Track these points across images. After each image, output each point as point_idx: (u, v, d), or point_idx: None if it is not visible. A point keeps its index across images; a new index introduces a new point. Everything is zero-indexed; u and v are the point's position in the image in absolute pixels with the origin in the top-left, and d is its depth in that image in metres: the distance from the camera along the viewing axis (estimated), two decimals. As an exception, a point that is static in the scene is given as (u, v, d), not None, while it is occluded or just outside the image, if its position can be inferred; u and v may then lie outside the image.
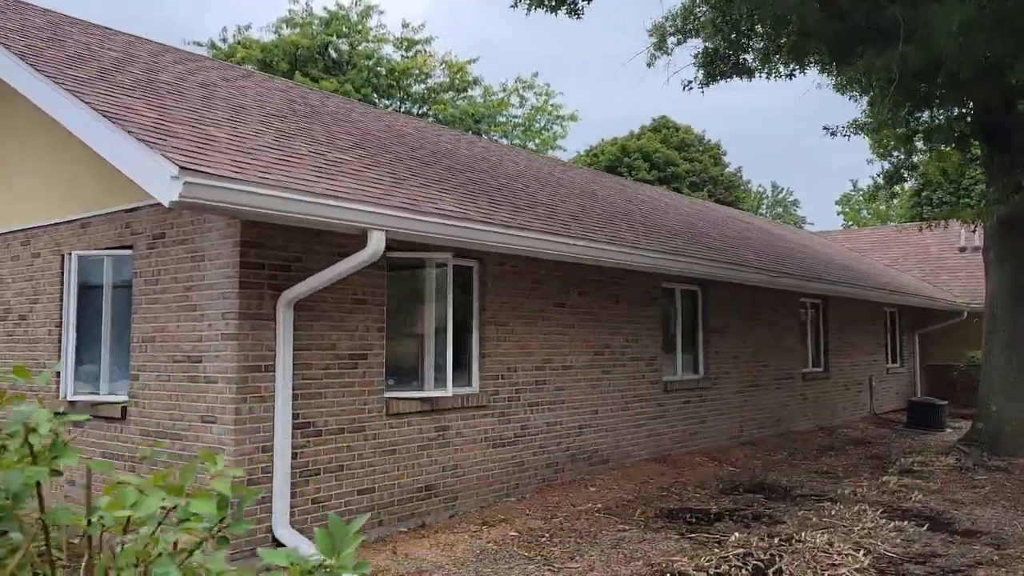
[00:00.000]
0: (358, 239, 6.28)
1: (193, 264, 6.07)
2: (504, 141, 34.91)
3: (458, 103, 34.29)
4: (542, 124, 37.34)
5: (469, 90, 35.27)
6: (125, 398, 6.55)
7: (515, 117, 36.55)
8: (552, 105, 36.62)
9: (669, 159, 40.93)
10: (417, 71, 33.61)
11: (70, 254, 6.92)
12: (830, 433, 13.80)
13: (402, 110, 33.89)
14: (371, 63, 31.90)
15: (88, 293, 7.05)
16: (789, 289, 12.57)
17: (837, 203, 53.09)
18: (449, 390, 7.11)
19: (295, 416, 6.06)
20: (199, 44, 31.98)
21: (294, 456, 6.05)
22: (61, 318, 6.99)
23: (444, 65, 34.05)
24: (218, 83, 8.02)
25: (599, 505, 7.77)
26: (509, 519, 7.22)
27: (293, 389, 6.03)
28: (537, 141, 36.75)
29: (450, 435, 7.35)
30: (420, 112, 33.93)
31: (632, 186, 15.67)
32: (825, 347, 15.13)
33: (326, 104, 9.87)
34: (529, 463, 8.21)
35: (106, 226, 6.87)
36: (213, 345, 5.87)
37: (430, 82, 34.50)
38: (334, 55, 32.10)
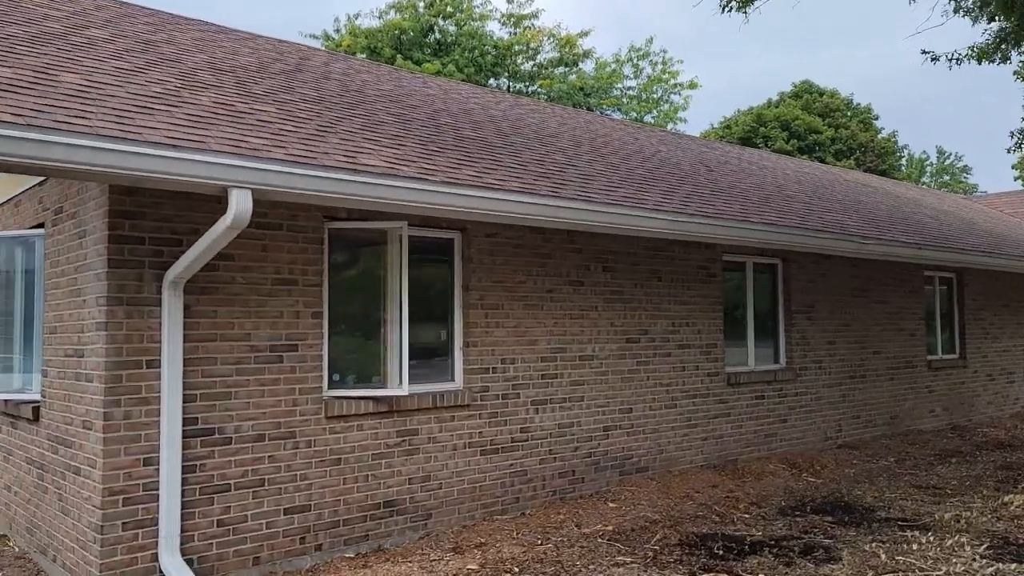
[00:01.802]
0: (284, 209, 5.24)
1: (79, 241, 5.17)
2: (617, 115, 33.13)
3: (570, 77, 32.80)
4: (659, 95, 35.12)
5: (580, 63, 33.71)
6: (38, 397, 5.78)
7: (629, 89, 34.60)
8: (669, 73, 34.31)
9: (811, 126, 37.81)
10: (524, 47, 32.41)
11: (-9, 236, 6.24)
12: (963, 433, 11.49)
13: (509, 89, 32.85)
14: (475, 42, 30.94)
15: (26, 278, 6.35)
16: (906, 260, 10.42)
17: (1014, 167, 47.28)
18: (404, 388, 5.88)
19: (193, 421, 5.03)
20: (314, 36, 32.23)
21: (192, 469, 5.03)
22: (-13, 307, 6.34)
23: (552, 38, 32.63)
24: (179, 42, 7.14)
25: (609, 527, 6.32)
26: (488, 543, 5.92)
27: (188, 389, 5.01)
28: (655, 113, 34.60)
29: (419, 441, 6.13)
30: (529, 90, 32.74)
31: (719, 148, 13.74)
32: (961, 329, 12.71)
33: (331, 65, 8.84)
34: (534, 473, 6.86)
35: (28, 203, 6.13)
36: (91, 336, 4.94)
37: (540, 58, 33.23)
38: (438, 37, 31.44)
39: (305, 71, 7.80)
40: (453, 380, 6.49)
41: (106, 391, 4.72)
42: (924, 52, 8.66)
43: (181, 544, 4.94)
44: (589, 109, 31.70)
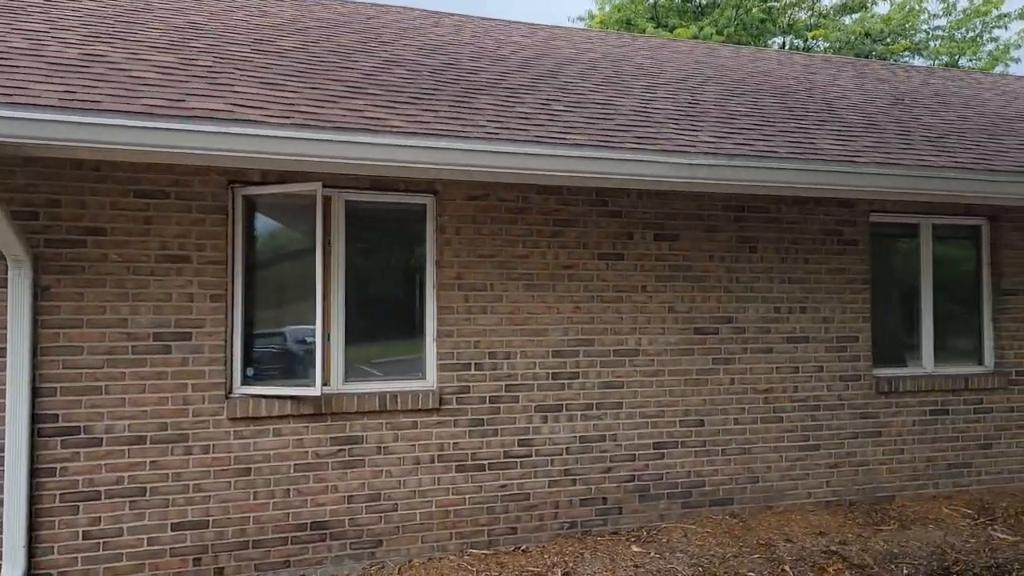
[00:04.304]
0: (172, 173, 4.55)
1: None
2: (917, 62, 28.08)
3: (854, 24, 28.35)
4: (978, 31, 29.06)
5: (871, 7, 29.03)
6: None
7: (937, 29, 29.04)
8: (990, 3, 28.18)
9: None
10: (797, -4, 28.69)
11: None
12: None
13: (784, 46, 29.39)
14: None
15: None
16: None
17: None
18: (317, 387, 4.79)
19: (51, 418, 4.46)
20: (580, 19, 31.57)
21: (51, 472, 4.46)
22: None
23: (829, -20, 28.48)
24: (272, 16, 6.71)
25: (602, 584, 4.68)
26: (429, 588, 4.66)
27: (45, 381, 4.44)
28: (969, 56, 28.68)
29: (363, 451, 5.02)
30: (805, 45, 29.01)
31: (971, 79, 10.35)
32: None
33: (417, 24, 7.90)
34: (540, 497, 5.39)
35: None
36: (-41, 321, 4.56)
37: (821, 5, 29.20)
38: (700, 1, 28.97)
39: (374, 31, 6.95)
40: (425, 378, 5.26)
41: (-55, 382, 4.31)
42: None
43: (35, 556, 4.40)
44: (881, 58, 27.28)
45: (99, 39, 5.04)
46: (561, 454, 5.45)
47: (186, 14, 6.39)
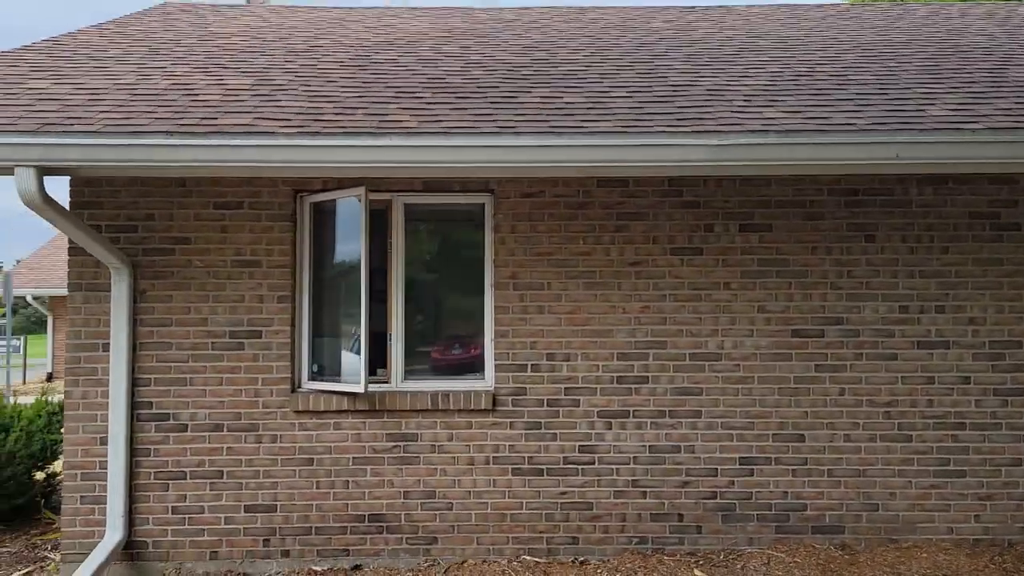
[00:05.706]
0: (246, 186, 5.10)
1: (111, 234, 5.70)
2: None
3: None
4: None
5: None
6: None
7: None
8: None
9: None
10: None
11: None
12: None
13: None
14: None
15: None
16: None
17: None
18: (361, 384, 4.94)
19: (146, 405, 5.10)
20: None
21: (147, 452, 5.10)
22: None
23: None
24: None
25: (635, 606, 4.32)
26: (463, 590, 4.64)
27: (141, 373, 5.10)
28: None
29: (418, 448, 5.12)
30: None
31: None
32: None
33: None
34: (604, 508, 5.09)
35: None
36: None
37: None
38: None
39: (492, 35, 7.14)
40: (484, 378, 5.23)
41: (67, 371, 5.11)
42: None
43: (134, 526, 5.07)
44: None
45: (203, 71, 5.67)
46: (628, 463, 5.11)
47: (317, 39, 6.93)
